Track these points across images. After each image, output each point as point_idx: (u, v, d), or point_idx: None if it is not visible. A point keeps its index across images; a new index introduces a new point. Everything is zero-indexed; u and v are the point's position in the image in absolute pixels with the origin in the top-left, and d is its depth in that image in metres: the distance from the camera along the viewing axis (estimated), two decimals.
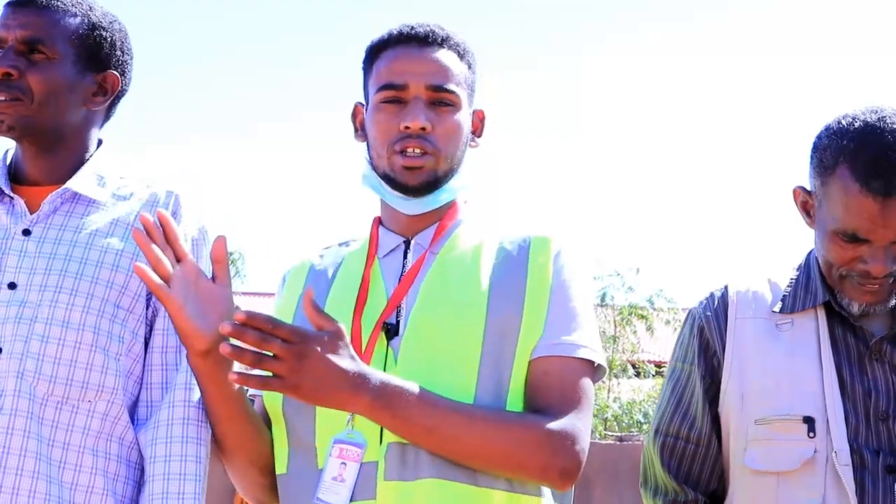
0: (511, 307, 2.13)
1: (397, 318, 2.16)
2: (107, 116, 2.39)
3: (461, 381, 2.10)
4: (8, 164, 2.33)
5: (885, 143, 2.09)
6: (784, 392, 2.21)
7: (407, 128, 2.17)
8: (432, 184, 2.20)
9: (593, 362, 2.14)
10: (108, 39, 2.31)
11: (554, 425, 2.05)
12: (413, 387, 2.04)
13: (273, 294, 2.43)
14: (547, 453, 2.04)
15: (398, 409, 2.02)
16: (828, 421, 2.17)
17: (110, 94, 2.33)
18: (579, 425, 2.08)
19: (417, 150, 2.18)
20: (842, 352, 2.22)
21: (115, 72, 2.33)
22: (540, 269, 2.18)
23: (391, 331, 2.15)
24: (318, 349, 1.97)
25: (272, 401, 2.22)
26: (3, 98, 2.21)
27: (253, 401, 2.28)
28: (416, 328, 2.14)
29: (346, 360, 1.99)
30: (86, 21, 2.29)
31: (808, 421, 2.18)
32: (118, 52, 2.34)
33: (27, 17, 2.24)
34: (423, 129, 2.17)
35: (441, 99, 2.20)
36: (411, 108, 2.18)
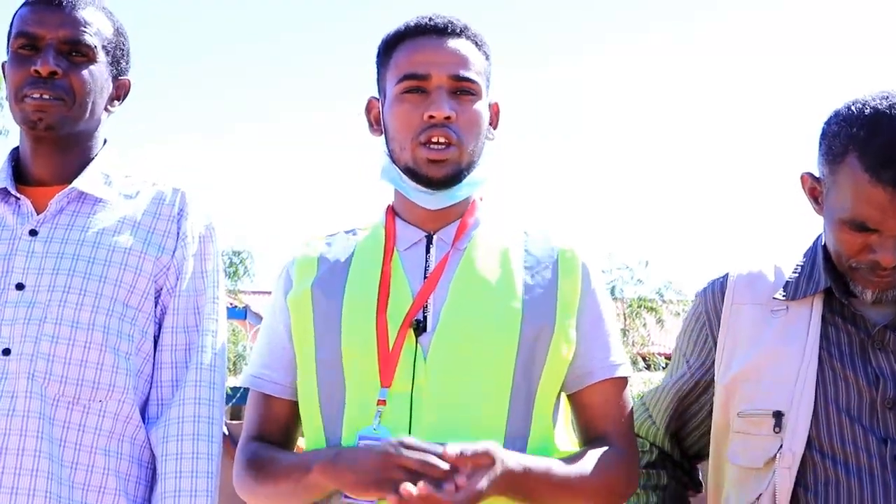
0: (544, 318, 2.16)
1: (424, 314, 2.16)
2: None
3: (495, 386, 2.12)
4: (12, 164, 2.33)
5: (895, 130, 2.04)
6: (763, 384, 2.18)
7: (431, 117, 2.16)
8: (455, 177, 2.20)
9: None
10: (126, 46, 2.34)
11: (627, 459, 2.23)
12: (539, 466, 2.09)
13: None
14: (629, 486, 2.24)
15: (526, 492, 2.08)
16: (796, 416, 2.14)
17: (123, 100, 2.35)
18: (635, 444, 2.28)
19: (442, 140, 2.16)
20: (842, 341, 2.18)
21: (128, 78, 2.36)
22: (569, 283, 2.22)
23: (418, 328, 2.15)
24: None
25: (308, 400, 2.20)
26: (47, 97, 2.21)
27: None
28: (447, 327, 2.14)
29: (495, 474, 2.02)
30: (114, 26, 2.31)
31: (777, 416, 2.15)
32: (129, 59, 2.37)
33: (66, 16, 2.24)
34: (448, 118, 2.16)
35: (463, 88, 2.19)
36: (435, 98, 2.17)
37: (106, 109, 2.32)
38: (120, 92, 2.35)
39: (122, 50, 2.33)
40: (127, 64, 2.36)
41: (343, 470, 2.04)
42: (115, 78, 2.32)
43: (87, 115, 2.26)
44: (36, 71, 2.20)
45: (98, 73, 2.26)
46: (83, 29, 2.24)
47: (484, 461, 1.99)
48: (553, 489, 2.11)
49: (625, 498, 2.24)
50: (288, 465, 2.16)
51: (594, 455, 2.18)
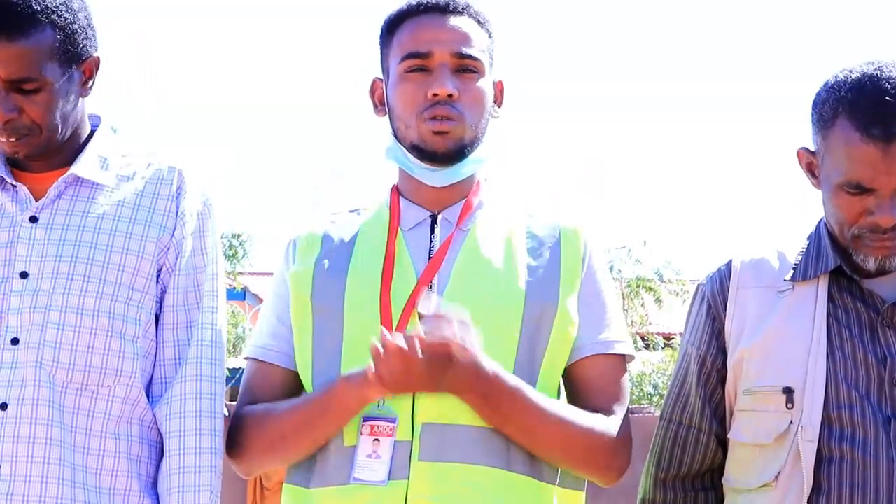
0: (547, 298, 2.17)
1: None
2: None
3: (498, 363, 2.11)
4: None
5: (883, 89, 2.07)
6: (771, 362, 2.19)
7: (435, 95, 2.17)
8: (459, 152, 2.20)
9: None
10: (78, 30, 2.20)
11: (616, 430, 2.19)
12: (516, 384, 2.10)
13: None
14: (612, 457, 2.19)
15: (493, 402, 2.08)
16: (805, 391, 2.14)
17: (96, 73, 2.27)
18: (628, 427, 2.23)
19: (445, 117, 2.16)
20: (851, 320, 2.19)
21: (94, 53, 2.26)
22: (570, 264, 2.22)
23: None
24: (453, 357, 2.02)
25: (304, 374, 2.21)
26: (13, 139, 2.17)
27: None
28: (450, 308, 2.12)
29: (471, 357, 2.05)
30: (55, 27, 2.16)
31: (787, 391, 2.16)
32: (88, 32, 2.24)
33: (3, 54, 2.12)
34: (451, 95, 2.16)
35: (466, 66, 2.20)
36: (438, 76, 2.18)
37: (81, 97, 2.26)
38: (88, 74, 2.26)
39: (74, 40, 2.19)
40: (88, 43, 2.24)
41: (366, 375, 2.05)
42: (79, 65, 2.23)
43: (61, 127, 2.21)
44: None
45: (54, 91, 2.17)
46: (23, 62, 2.13)
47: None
48: (525, 410, 2.10)
49: (608, 471, 2.20)
50: (303, 397, 2.18)
51: (583, 411, 2.17)
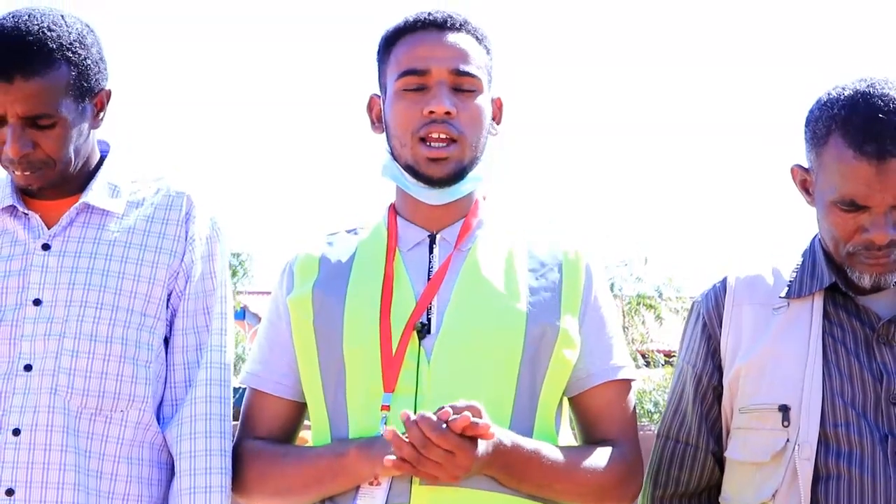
0: (549, 320, 2.16)
1: (428, 316, 2.15)
2: None
3: (499, 388, 2.12)
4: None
5: (875, 107, 2.08)
6: (766, 379, 2.19)
7: (431, 112, 2.14)
8: (457, 174, 2.18)
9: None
10: (91, 65, 2.21)
11: (628, 459, 2.20)
12: (534, 447, 2.09)
13: None
14: (626, 487, 2.20)
15: (515, 471, 2.08)
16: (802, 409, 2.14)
17: (107, 105, 2.29)
18: (638, 449, 2.24)
19: (442, 136, 2.15)
20: (847, 337, 2.19)
21: (105, 86, 2.27)
22: (572, 285, 2.21)
23: (422, 330, 2.14)
24: (472, 450, 1.98)
25: (315, 402, 2.21)
26: (28, 173, 2.18)
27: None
28: (451, 330, 2.13)
29: (487, 446, 2.02)
30: (70, 64, 2.17)
31: (784, 409, 2.16)
32: (100, 66, 2.25)
33: (20, 91, 2.13)
34: (448, 113, 2.14)
35: (464, 84, 2.18)
36: (435, 93, 2.15)
37: (92, 129, 2.27)
38: (100, 106, 2.27)
39: (87, 75, 2.20)
40: (100, 77, 2.25)
41: (381, 452, 2.03)
42: (91, 99, 2.23)
43: (74, 159, 2.22)
44: (7, 153, 2.16)
45: (68, 127, 2.18)
46: (39, 99, 2.14)
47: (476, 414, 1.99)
48: (542, 471, 2.10)
49: (622, 500, 2.21)
50: (313, 454, 2.16)
51: (592, 449, 2.18)
